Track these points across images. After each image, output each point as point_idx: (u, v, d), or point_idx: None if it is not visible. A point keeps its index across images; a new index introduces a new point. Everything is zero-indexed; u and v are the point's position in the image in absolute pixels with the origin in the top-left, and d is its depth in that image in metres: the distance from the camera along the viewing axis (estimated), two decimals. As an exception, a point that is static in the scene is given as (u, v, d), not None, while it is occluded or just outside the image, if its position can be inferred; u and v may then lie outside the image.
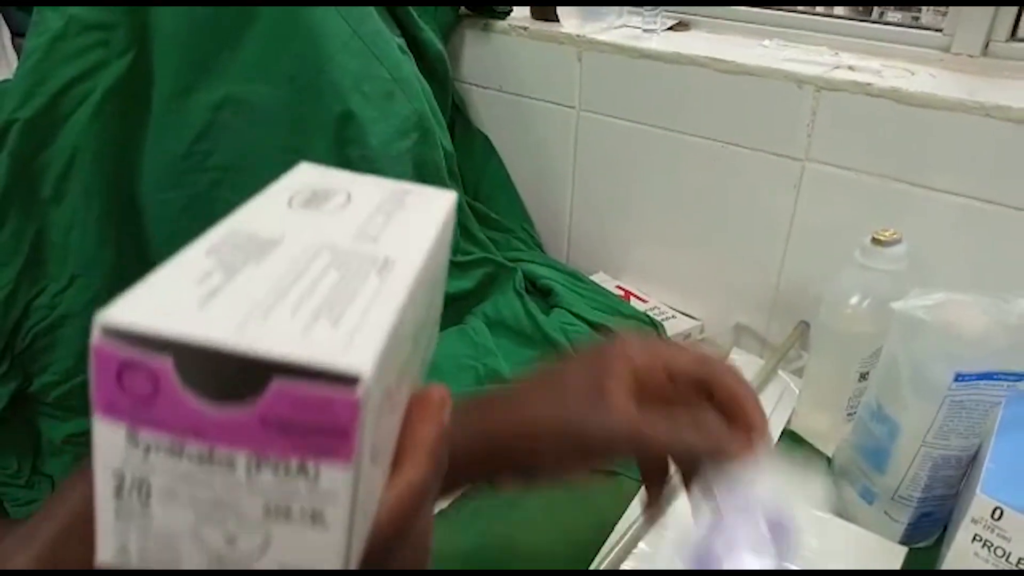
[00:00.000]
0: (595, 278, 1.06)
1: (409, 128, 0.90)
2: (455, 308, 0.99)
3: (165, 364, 0.17)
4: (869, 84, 0.80)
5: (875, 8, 2.64)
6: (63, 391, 0.94)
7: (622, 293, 1.03)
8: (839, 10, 1.03)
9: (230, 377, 0.18)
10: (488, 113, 1.15)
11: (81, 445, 0.96)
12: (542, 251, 1.14)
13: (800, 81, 0.83)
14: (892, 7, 1.03)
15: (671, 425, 0.39)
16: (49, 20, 0.83)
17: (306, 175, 0.29)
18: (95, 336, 0.17)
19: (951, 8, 0.86)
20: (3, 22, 1.09)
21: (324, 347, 0.18)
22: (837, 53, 0.90)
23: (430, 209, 0.28)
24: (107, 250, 0.88)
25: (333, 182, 0.29)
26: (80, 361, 0.93)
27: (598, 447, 0.40)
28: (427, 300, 0.27)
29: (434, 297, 0.29)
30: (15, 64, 1.03)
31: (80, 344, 0.92)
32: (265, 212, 0.25)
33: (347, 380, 0.17)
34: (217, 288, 0.19)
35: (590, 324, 0.93)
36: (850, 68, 0.84)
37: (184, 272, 0.20)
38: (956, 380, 0.62)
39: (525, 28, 1.06)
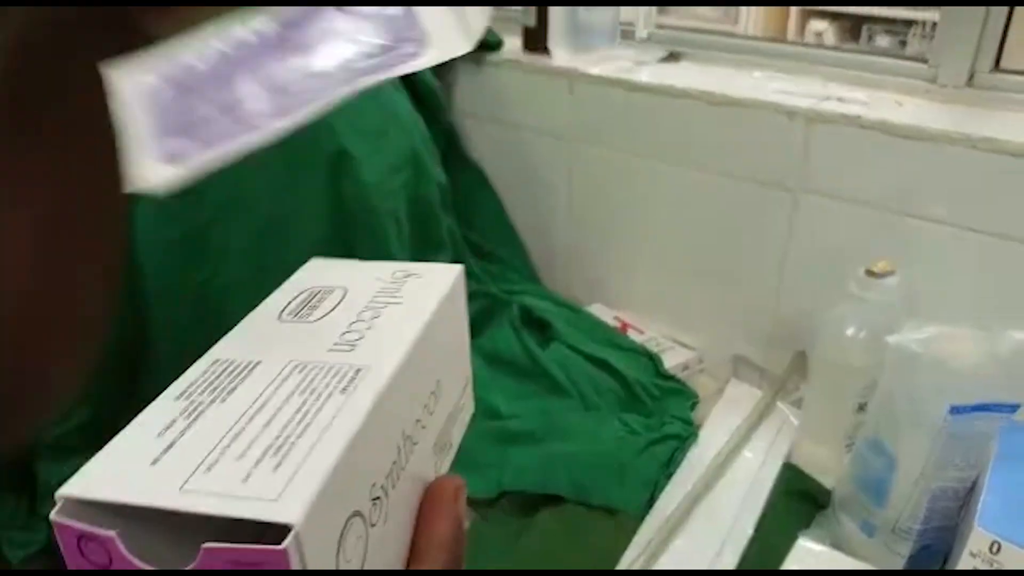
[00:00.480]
0: (592, 309, 1.06)
1: (402, 164, 0.91)
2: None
3: (111, 535, 0.19)
4: (859, 116, 0.80)
5: (864, 33, 2.64)
6: (59, 432, 0.94)
7: (619, 325, 1.03)
8: (828, 39, 1.04)
9: (199, 529, 0.19)
10: (482, 145, 1.16)
11: (78, 486, 0.96)
12: (538, 283, 1.14)
13: (790, 113, 0.84)
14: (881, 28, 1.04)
15: None
16: None
17: (311, 273, 0.31)
18: (54, 511, 0.19)
19: (936, 38, 0.87)
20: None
21: (257, 497, 0.19)
22: (826, 84, 0.91)
23: (428, 294, 0.29)
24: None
25: (334, 278, 0.30)
26: (76, 403, 0.93)
27: None
28: (423, 389, 0.27)
29: (446, 376, 0.29)
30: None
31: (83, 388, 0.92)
32: (255, 329, 0.27)
33: (279, 529, 0.18)
34: (175, 440, 0.21)
35: (588, 358, 0.93)
36: (839, 100, 0.85)
37: (149, 424, 0.22)
38: (951, 412, 0.62)
39: (517, 61, 1.07)
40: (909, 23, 2.56)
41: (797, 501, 0.78)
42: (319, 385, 0.23)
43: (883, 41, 2.63)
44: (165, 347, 0.85)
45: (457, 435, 0.31)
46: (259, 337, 0.27)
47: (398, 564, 0.24)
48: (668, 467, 0.79)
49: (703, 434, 0.84)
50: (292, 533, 0.18)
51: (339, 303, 0.28)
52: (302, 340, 0.26)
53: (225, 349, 0.26)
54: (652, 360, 0.94)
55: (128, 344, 0.90)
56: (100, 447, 0.77)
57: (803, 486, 0.79)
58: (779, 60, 0.98)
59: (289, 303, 0.29)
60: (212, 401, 0.23)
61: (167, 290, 0.85)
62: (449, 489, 0.26)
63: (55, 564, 1.07)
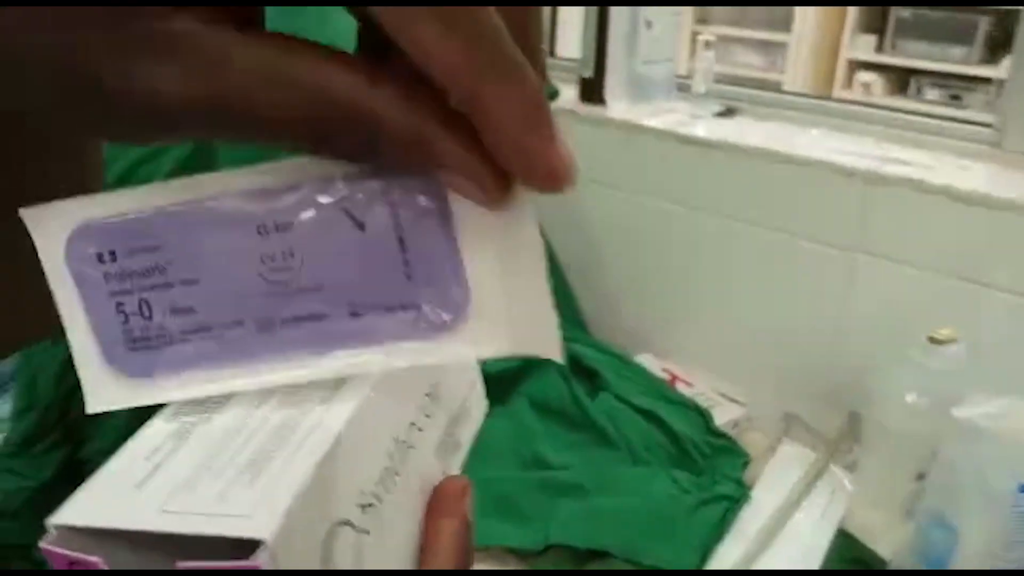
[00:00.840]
0: (641, 359, 1.06)
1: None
2: (499, 388, 0.99)
3: (96, 560, 0.19)
4: (921, 180, 0.80)
5: (912, 85, 2.62)
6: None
7: (668, 376, 1.02)
8: (876, 91, 1.03)
9: (186, 550, 0.19)
10: (534, 195, 1.16)
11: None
12: (586, 331, 1.14)
13: (849, 173, 0.84)
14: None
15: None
16: None
17: None
18: (45, 538, 0.19)
19: (1001, 103, 0.86)
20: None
21: (232, 514, 0.19)
22: (880, 143, 0.91)
23: None
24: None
25: None
26: (127, 430, 0.94)
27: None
28: (414, 393, 0.27)
29: (443, 378, 0.29)
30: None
31: (127, 413, 0.94)
32: None
33: (253, 544, 0.18)
34: (160, 462, 0.21)
35: (637, 410, 0.92)
36: (899, 161, 0.85)
37: (139, 448, 0.22)
38: (1021, 491, 0.60)
39: (573, 111, 1.09)
40: (958, 76, 2.54)
41: (852, 570, 0.76)
42: (301, 397, 0.23)
43: (932, 95, 2.61)
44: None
45: (466, 436, 0.31)
46: None
47: (408, 566, 0.24)
48: (720, 528, 0.78)
49: (755, 495, 0.83)
50: (264, 547, 0.18)
51: None
52: None
53: None
54: (702, 415, 0.93)
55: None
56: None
57: (858, 554, 0.77)
58: (835, 118, 0.98)
59: None
60: (199, 421, 0.23)
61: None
62: (454, 489, 0.26)
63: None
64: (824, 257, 0.88)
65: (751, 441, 0.94)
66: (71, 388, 0.94)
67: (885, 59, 2.67)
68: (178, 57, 0.17)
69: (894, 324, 0.80)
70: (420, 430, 0.27)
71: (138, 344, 0.23)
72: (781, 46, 2.76)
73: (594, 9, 1.05)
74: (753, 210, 0.93)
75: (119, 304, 0.23)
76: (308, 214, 0.21)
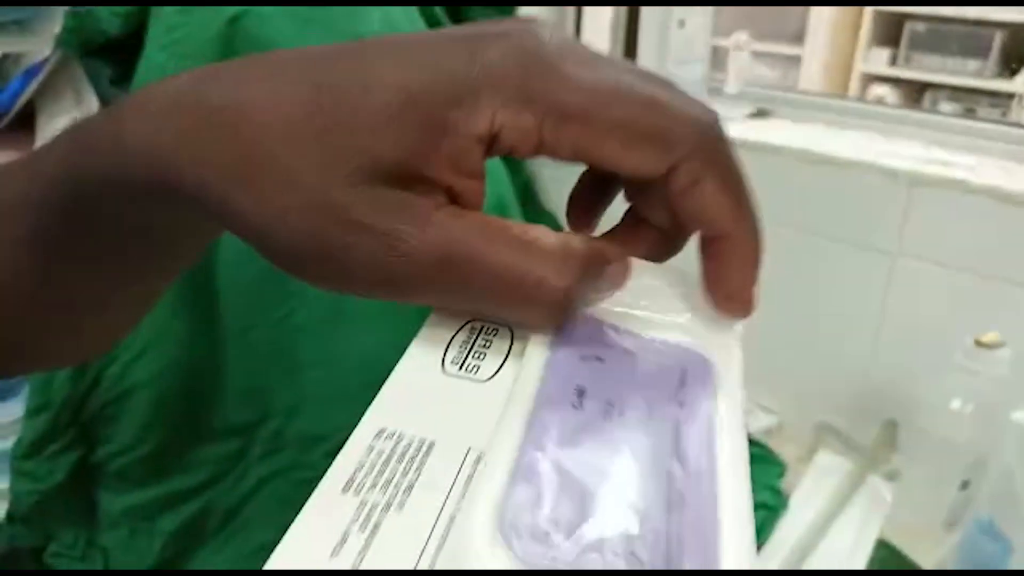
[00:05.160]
0: (666, 366, 1.03)
1: (489, 210, 0.90)
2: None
3: None
4: (965, 180, 0.78)
5: (927, 99, 2.61)
6: (125, 462, 0.93)
7: (695, 383, 1.00)
8: (928, 104, 1.02)
9: None
10: (559, 195, 1.15)
11: (138, 519, 0.94)
12: (610, 335, 1.12)
13: (892, 174, 0.82)
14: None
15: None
16: (152, 57, 0.84)
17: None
18: None
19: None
20: (94, 96, 1.12)
21: None
22: (928, 147, 0.89)
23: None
24: (179, 322, 0.88)
25: None
26: (144, 431, 0.92)
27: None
28: None
29: None
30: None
31: (145, 414, 0.91)
32: (416, 383, 0.23)
33: None
34: (358, 556, 0.19)
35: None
36: (944, 163, 0.83)
37: (320, 528, 0.19)
38: (1083, 500, 0.58)
39: (600, 113, 1.07)
40: (972, 90, 2.53)
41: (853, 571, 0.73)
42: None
43: (947, 108, 2.60)
44: (236, 383, 0.84)
45: None
46: (424, 398, 0.23)
47: None
48: (758, 538, 0.75)
49: (792, 505, 0.80)
50: None
51: (509, 350, 0.23)
52: (477, 411, 0.22)
53: (387, 413, 0.22)
54: (734, 423, 0.90)
55: (198, 379, 0.89)
56: (162, 479, 0.76)
57: (899, 565, 0.75)
58: (875, 122, 0.96)
59: (449, 344, 0.24)
60: (388, 505, 0.20)
61: (243, 327, 0.84)
62: None
63: (108, 598, 1.05)
64: (864, 261, 0.86)
65: (783, 450, 0.92)
66: (87, 387, 0.92)
67: (899, 72, 2.66)
68: None
69: (935, 329, 0.78)
70: None
71: None
72: (794, 59, 2.75)
73: (624, 8, 1.04)
74: (789, 213, 0.91)
75: None
76: None
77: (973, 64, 2.54)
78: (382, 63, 0.18)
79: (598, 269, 0.21)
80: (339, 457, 0.21)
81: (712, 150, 0.19)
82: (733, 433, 0.20)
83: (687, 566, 0.17)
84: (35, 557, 0.97)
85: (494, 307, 0.21)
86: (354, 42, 0.20)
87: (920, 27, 2.61)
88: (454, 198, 0.20)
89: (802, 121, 1.02)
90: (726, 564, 0.17)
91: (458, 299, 0.21)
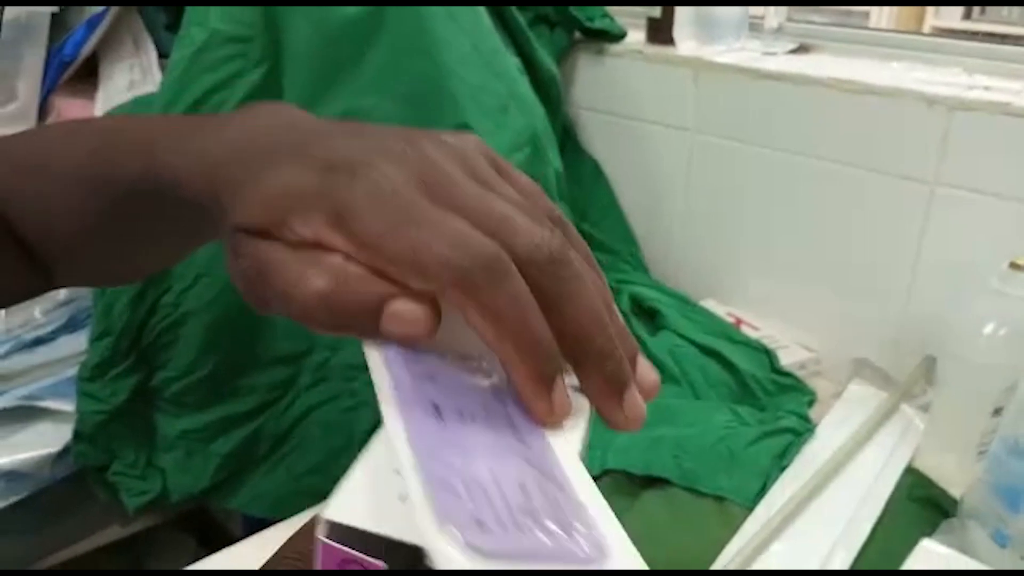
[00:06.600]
0: (704, 304, 1.04)
1: (523, 142, 0.92)
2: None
3: (378, 564, 0.20)
4: (1008, 103, 0.76)
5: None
6: (181, 387, 0.98)
7: (733, 320, 1.00)
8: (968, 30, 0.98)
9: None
10: (598, 137, 1.15)
11: (194, 441, 1.00)
12: (648, 274, 1.12)
13: (931, 101, 0.80)
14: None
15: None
16: (194, 34, 0.89)
17: None
18: (320, 531, 0.20)
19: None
20: (152, 43, 1.17)
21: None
22: (971, 74, 0.86)
23: None
24: (230, 252, 0.92)
25: None
26: (199, 357, 0.97)
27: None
28: None
29: None
30: (160, 80, 1.10)
31: (199, 341, 0.96)
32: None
33: None
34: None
35: (699, 348, 0.91)
36: (985, 88, 0.81)
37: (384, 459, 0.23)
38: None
39: (640, 52, 1.07)
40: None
41: (920, 507, 0.73)
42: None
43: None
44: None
45: None
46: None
47: None
48: (782, 460, 0.75)
49: (820, 431, 0.80)
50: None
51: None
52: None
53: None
54: (768, 355, 0.90)
55: (248, 308, 0.93)
56: (218, 404, 0.81)
57: (927, 492, 0.74)
58: (918, 52, 0.94)
59: None
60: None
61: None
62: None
63: (165, 515, 1.11)
64: (902, 192, 0.84)
65: (818, 386, 0.91)
66: (144, 315, 0.97)
67: (972, 26, 2.56)
68: None
69: (974, 258, 0.77)
70: None
71: None
72: (862, 16, 2.66)
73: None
74: (827, 146, 0.90)
75: None
76: None
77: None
78: (288, 162, 0.25)
79: None
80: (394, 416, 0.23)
81: (470, 285, 0.22)
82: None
83: (572, 521, 0.21)
84: (99, 477, 1.03)
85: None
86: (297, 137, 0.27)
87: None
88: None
89: (845, 55, 1.00)
90: (582, 497, 0.22)
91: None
